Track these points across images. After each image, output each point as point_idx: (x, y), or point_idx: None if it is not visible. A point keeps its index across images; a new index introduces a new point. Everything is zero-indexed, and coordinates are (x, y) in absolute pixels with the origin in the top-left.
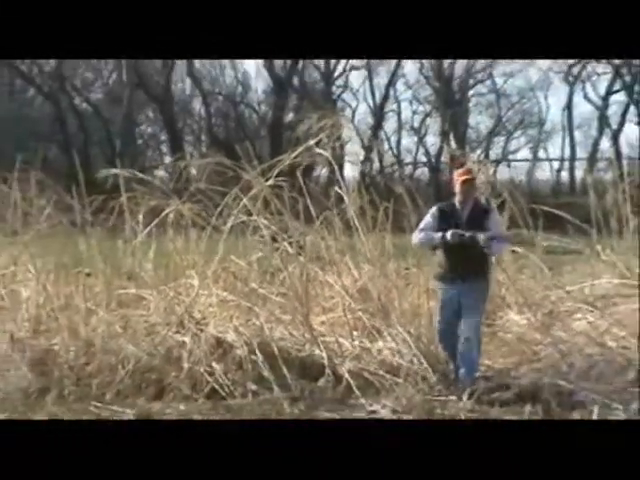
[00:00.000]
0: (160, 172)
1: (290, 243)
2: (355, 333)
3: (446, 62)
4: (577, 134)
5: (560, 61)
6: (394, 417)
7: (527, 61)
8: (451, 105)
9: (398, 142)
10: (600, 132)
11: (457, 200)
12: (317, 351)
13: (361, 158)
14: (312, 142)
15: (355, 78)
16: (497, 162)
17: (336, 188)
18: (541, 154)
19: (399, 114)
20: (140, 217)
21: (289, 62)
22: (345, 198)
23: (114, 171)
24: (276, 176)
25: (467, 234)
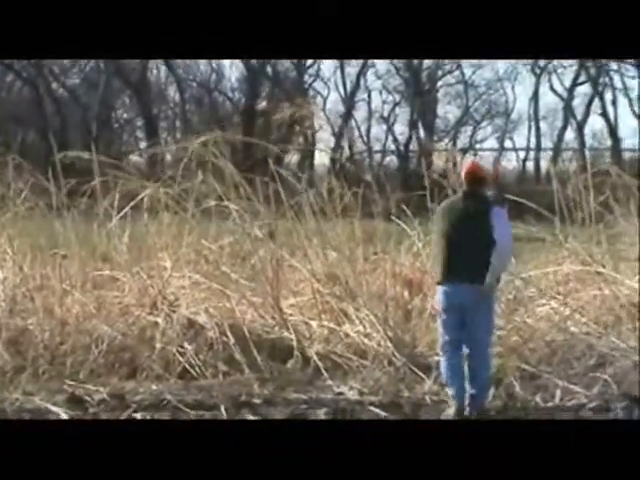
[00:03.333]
0: (135, 157)
1: (260, 228)
2: (323, 316)
3: None
4: (543, 125)
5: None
6: (361, 399)
7: None
8: (420, 95)
9: (368, 130)
10: (565, 123)
11: (462, 193)
12: (286, 333)
13: (331, 145)
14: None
15: (326, 67)
16: (464, 151)
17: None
18: (507, 144)
19: (369, 103)
20: (115, 201)
21: None
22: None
23: (71, 154)
24: (249, 162)
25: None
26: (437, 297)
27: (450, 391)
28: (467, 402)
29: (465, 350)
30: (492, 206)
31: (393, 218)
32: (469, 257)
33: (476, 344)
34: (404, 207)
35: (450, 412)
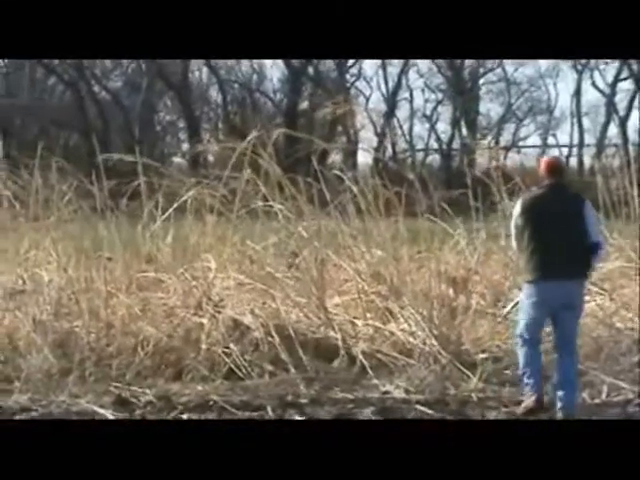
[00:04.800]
0: (178, 159)
1: (305, 227)
2: (368, 315)
3: None
4: (585, 121)
5: None
6: (407, 397)
7: None
8: (462, 93)
9: (410, 129)
10: (608, 119)
11: (544, 186)
12: (332, 333)
13: (374, 145)
14: None
15: (368, 66)
16: (507, 149)
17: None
18: (550, 140)
19: (411, 102)
20: (159, 203)
21: None
22: (353, 188)
23: (114, 156)
24: (292, 162)
25: None
26: (525, 294)
27: (528, 383)
28: (559, 405)
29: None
30: (584, 200)
31: (432, 218)
32: (565, 253)
33: (568, 344)
34: (446, 206)
35: (529, 404)
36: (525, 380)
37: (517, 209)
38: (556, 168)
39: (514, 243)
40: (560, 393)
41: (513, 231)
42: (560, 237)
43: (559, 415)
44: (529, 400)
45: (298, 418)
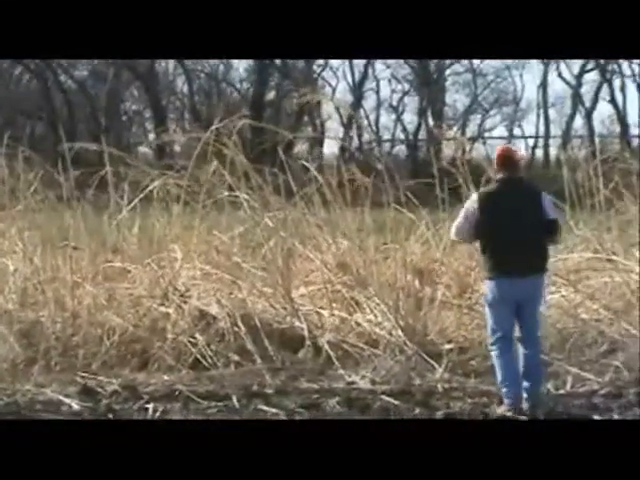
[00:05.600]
0: (144, 148)
1: (271, 218)
2: (334, 305)
3: None
4: (551, 112)
5: None
6: (373, 388)
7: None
8: (428, 84)
9: (377, 120)
10: (574, 110)
11: (499, 181)
12: (297, 323)
13: (341, 135)
14: None
15: None
16: (473, 140)
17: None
18: (516, 132)
19: (378, 92)
20: (125, 192)
21: None
22: (319, 178)
23: (80, 146)
24: (258, 153)
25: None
26: (488, 291)
27: (504, 388)
28: (525, 396)
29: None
30: (540, 193)
31: (398, 208)
32: (523, 249)
33: (531, 336)
34: (412, 196)
35: (503, 409)
36: (504, 389)
37: (472, 205)
38: (508, 160)
39: (454, 230)
40: (526, 384)
41: (461, 221)
42: (517, 233)
43: (525, 405)
44: (506, 407)
45: (296, 419)
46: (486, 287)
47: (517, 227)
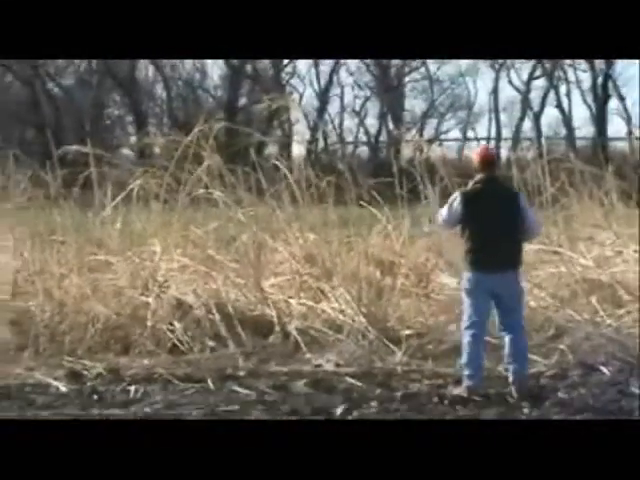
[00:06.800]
0: (126, 150)
1: (243, 214)
2: (302, 294)
3: None
4: (502, 116)
5: None
6: (337, 370)
7: None
8: (389, 90)
9: (341, 123)
10: (523, 114)
11: (479, 181)
12: (268, 311)
13: (307, 138)
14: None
15: (302, 65)
16: (430, 141)
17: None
18: (470, 134)
19: (342, 98)
20: (109, 191)
21: None
22: (289, 177)
23: (68, 148)
24: (232, 154)
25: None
26: (465, 282)
27: (467, 370)
28: (511, 378)
29: (503, 334)
30: (517, 194)
31: (361, 204)
32: (500, 245)
33: (513, 323)
34: (375, 194)
35: (461, 390)
36: (466, 371)
37: (456, 204)
38: (487, 160)
39: (441, 224)
40: (511, 367)
41: (445, 216)
42: (495, 231)
43: (512, 388)
44: (464, 389)
45: (293, 418)
46: (464, 278)
47: (495, 225)
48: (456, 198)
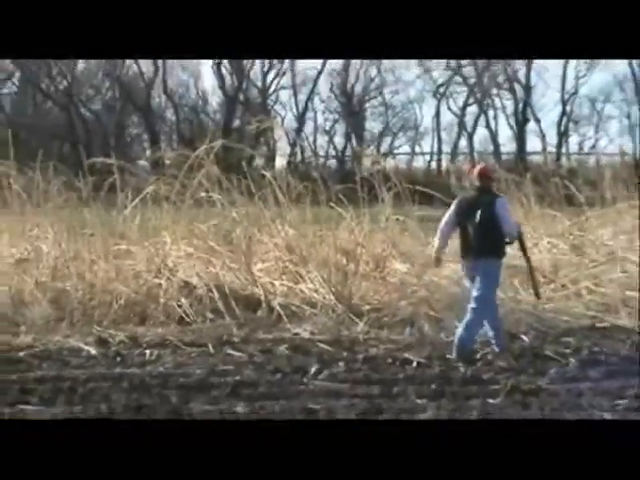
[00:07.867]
0: (143, 162)
1: (237, 212)
2: (284, 277)
3: (349, 84)
4: (443, 135)
5: (430, 81)
6: (312, 337)
7: (409, 82)
8: (352, 114)
9: (314, 141)
10: (459, 134)
11: (474, 189)
12: (256, 290)
13: (288, 152)
14: None
15: (284, 95)
16: (385, 155)
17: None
18: (417, 149)
19: (315, 120)
20: (129, 194)
21: (236, 82)
22: (273, 182)
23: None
24: (228, 165)
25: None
26: (460, 267)
27: (457, 337)
28: (494, 342)
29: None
30: (499, 197)
31: (333, 205)
32: (482, 238)
33: (479, 302)
34: (341, 197)
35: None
36: (457, 338)
37: (454, 206)
38: (484, 175)
39: (443, 223)
40: (490, 333)
41: (447, 218)
42: (479, 226)
43: (495, 349)
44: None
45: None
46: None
47: (479, 222)
48: (455, 202)
